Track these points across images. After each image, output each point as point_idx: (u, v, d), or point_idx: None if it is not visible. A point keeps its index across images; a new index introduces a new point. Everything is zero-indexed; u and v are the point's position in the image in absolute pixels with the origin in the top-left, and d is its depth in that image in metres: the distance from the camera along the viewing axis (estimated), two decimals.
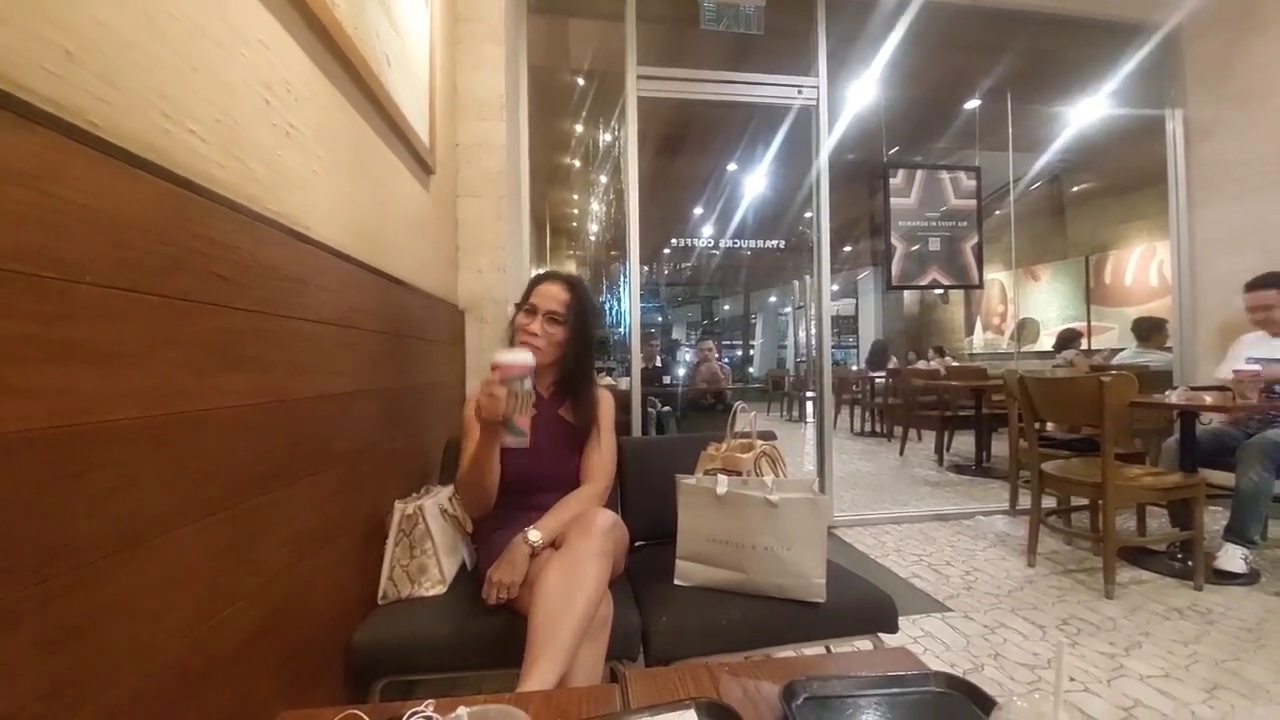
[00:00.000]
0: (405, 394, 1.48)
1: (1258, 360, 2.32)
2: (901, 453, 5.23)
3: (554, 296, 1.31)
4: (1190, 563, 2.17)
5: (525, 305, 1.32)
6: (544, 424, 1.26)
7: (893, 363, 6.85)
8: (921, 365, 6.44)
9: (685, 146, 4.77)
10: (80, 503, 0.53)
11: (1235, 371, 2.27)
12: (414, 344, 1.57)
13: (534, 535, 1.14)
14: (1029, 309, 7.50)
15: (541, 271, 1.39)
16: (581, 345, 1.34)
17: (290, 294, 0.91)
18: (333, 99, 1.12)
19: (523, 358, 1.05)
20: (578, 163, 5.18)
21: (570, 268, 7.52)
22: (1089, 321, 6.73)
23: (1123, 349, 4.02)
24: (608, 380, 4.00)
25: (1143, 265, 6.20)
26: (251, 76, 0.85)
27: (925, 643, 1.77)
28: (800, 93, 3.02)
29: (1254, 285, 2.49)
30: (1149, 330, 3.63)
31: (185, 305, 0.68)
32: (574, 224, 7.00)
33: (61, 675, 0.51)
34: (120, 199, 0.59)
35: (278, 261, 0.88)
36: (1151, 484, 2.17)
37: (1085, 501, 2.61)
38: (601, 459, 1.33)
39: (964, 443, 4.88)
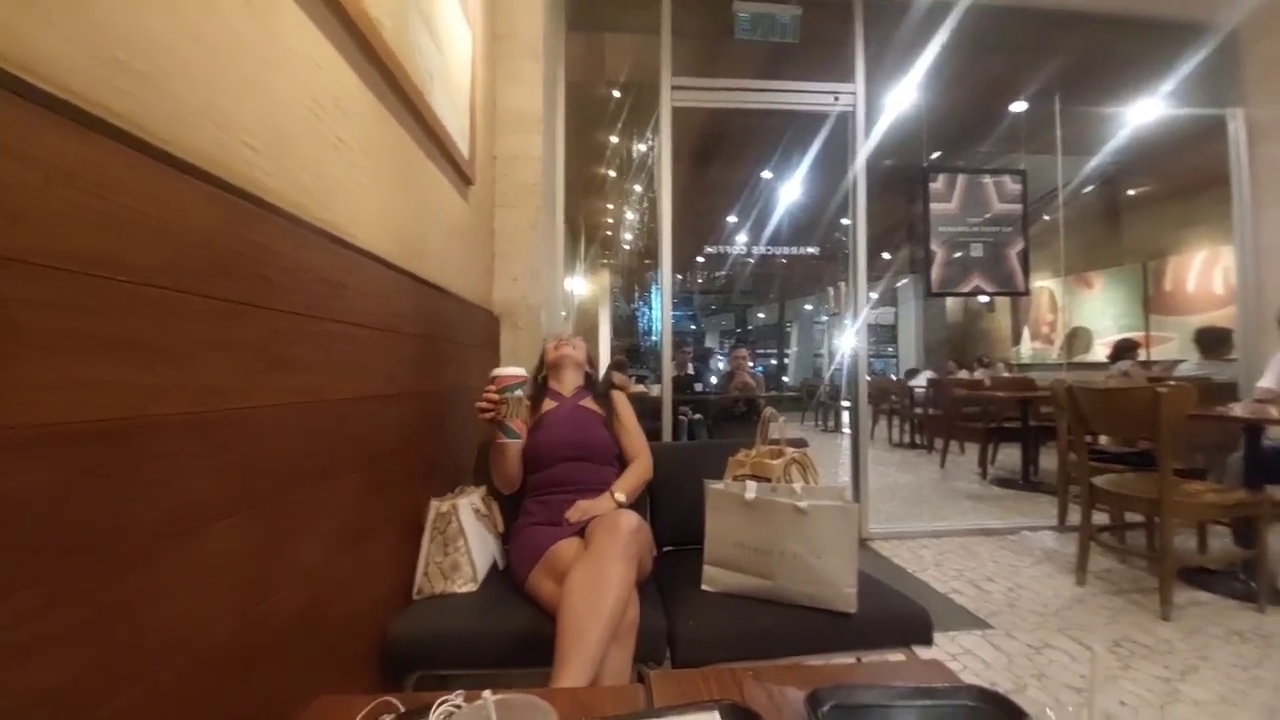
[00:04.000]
0: (441, 396, 1.52)
1: None
2: (942, 465, 5.06)
3: (561, 340, 1.65)
4: (1254, 584, 2.04)
5: (550, 346, 1.66)
6: (569, 408, 1.52)
7: (928, 374, 6.63)
8: (964, 375, 6.22)
9: (719, 155, 4.77)
10: (135, 490, 0.57)
11: None
12: (450, 348, 1.62)
13: (620, 495, 1.36)
14: (1081, 317, 7.16)
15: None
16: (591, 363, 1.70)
17: (331, 297, 0.96)
18: (378, 113, 1.17)
19: (516, 371, 1.30)
20: (613, 173, 5.25)
21: (604, 276, 7.60)
22: (1147, 331, 6.37)
23: (1183, 360, 3.80)
24: (639, 387, 4.02)
25: (1205, 271, 5.85)
26: (302, 92, 0.91)
27: (964, 660, 1.70)
28: (837, 100, 2.99)
29: None
30: (1213, 342, 3.41)
31: (234, 307, 0.72)
32: (608, 233, 7.08)
33: (116, 649, 0.54)
34: (178, 206, 0.64)
35: (320, 265, 0.93)
36: (1213, 500, 2.04)
37: (1140, 518, 2.47)
38: (634, 440, 1.53)
39: (1009, 456, 4.69)
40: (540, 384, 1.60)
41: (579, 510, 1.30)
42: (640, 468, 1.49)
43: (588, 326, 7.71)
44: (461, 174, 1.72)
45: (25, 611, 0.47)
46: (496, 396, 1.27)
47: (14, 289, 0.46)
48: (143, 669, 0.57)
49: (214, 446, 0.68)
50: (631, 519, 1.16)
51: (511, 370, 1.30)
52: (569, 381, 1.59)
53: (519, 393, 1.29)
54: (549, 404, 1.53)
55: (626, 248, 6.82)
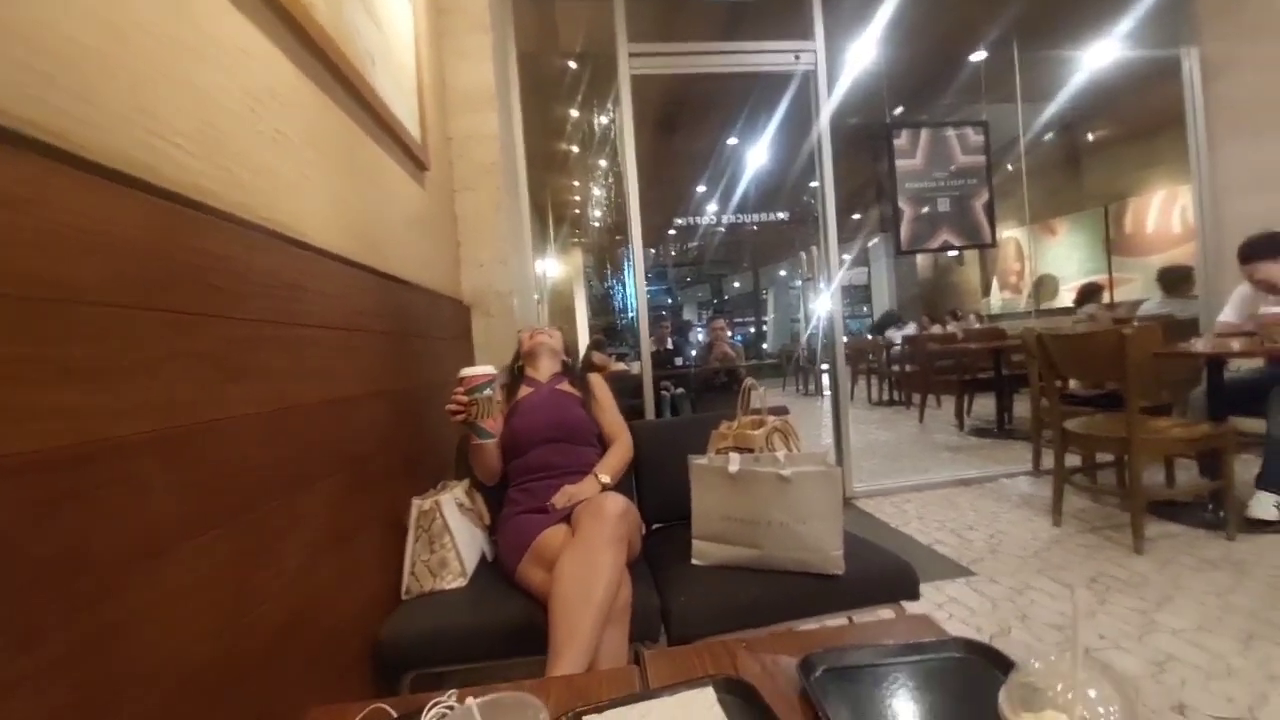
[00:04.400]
0: (415, 393, 1.49)
1: None
2: (921, 419, 5.18)
3: (537, 329, 1.66)
4: (1221, 513, 2.13)
5: (524, 335, 1.65)
6: (545, 393, 1.52)
7: (904, 330, 6.74)
8: (936, 329, 6.34)
9: (683, 123, 4.69)
10: (96, 518, 0.54)
11: (1263, 313, 2.19)
12: (420, 342, 1.58)
13: (604, 477, 1.35)
14: (1047, 265, 7.31)
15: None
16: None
17: (290, 301, 0.92)
18: (319, 101, 1.11)
19: (485, 370, 1.28)
20: (575, 148, 5.14)
21: (575, 255, 7.50)
22: (1110, 274, 6.54)
23: (1146, 300, 3.91)
24: (619, 365, 4.01)
25: (1164, 211, 5.99)
26: (233, 85, 0.85)
27: (950, 608, 1.76)
28: (798, 58, 2.94)
29: (1249, 257, 2.30)
30: (1175, 280, 3.51)
31: (187, 318, 0.69)
32: (576, 211, 6.96)
33: (90, 686, 0.52)
34: (109, 217, 0.60)
35: (274, 269, 0.88)
36: (1179, 435, 2.13)
37: (1111, 458, 2.56)
38: (612, 420, 1.54)
39: (984, 406, 4.82)
40: (517, 373, 1.58)
41: (564, 495, 1.29)
42: (621, 447, 1.49)
43: (563, 308, 7.63)
44: (414, 159, 1.65)
45: None
46: (465, 398, 1.25)
47: None
48: (123, 701, 0.56)
49: (181, 463, 0.66)
50: (618, 502, 1.16)
51: (479, 370, 1.28)
52: (545, 369, 1.59)
53: (488, 391, 1.27)
54: (525, 390, 1.52)
55: (596, 225, 6.72)
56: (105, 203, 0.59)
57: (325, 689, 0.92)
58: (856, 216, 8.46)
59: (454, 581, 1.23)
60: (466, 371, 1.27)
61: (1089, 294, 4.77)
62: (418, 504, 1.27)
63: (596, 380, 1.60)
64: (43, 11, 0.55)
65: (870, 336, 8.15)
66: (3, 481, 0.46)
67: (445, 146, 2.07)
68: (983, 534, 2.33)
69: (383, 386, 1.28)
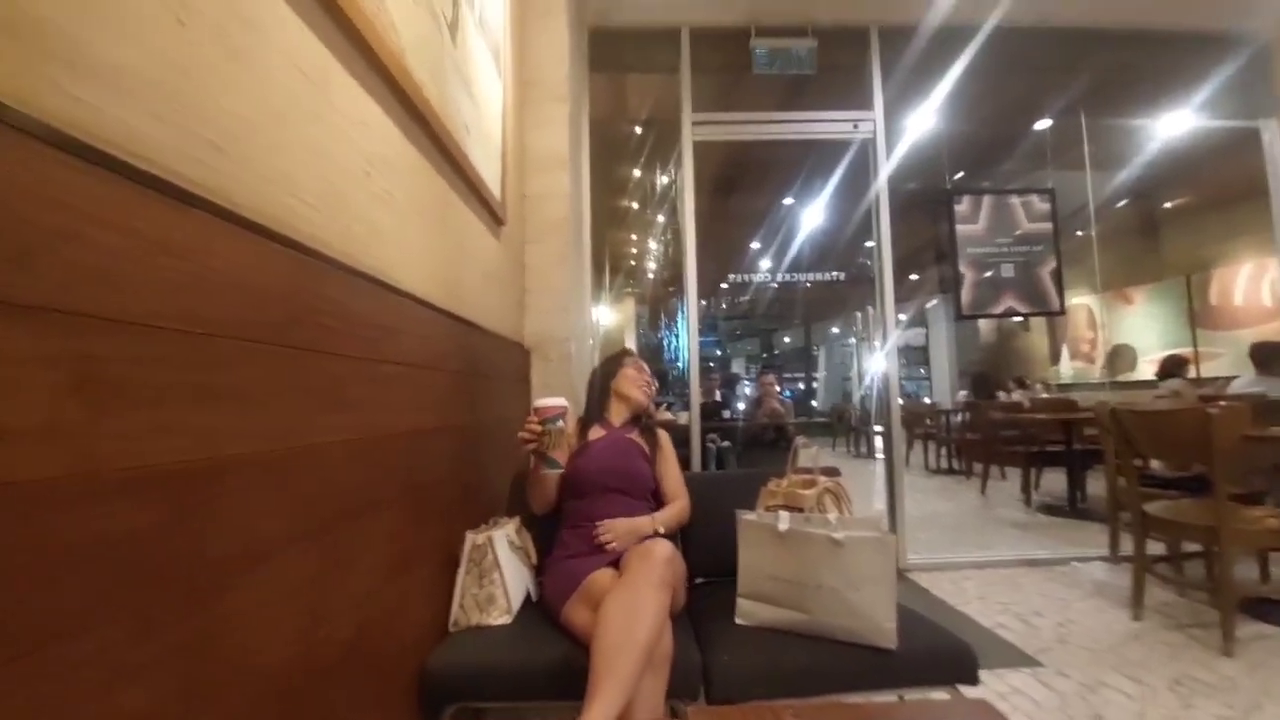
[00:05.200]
0: (477, 430, 1.57)
1: None
2: (983, 491, 4.89)
3: (641, 365, 1.68)
4: None
5: (634, 363, 1.67)
6: (616, 438, 1.54)
7: (962, 395, 6.45)
8: (1001, 397, 6.05)
9: (741, 185, 4.84)
10: (214, 526, 0.62)
11: None
12: (485, 382, 1.67)
13: (660, 526, 1.38)
14: (1122, 334, 6.92)
15: (620, 349, 1.79)
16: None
17: (382, 340, 1.02)
18: (420, 165, 1.25)
19: (558, 402, 1.31)
20: (635, 205, 5.37)
21: (628, 304, 7.69)
22: (1195, 346, 6.12)
23: (1236, 376, 3.63)
24: (667, 415, 4.02)
25: (1253, 283, 5.62)
26: (354, 152, 0.98)
27: (1013, 700, 1.63)
28: (856, 127, 3.03)
29: None
30: (1269, 356, 3.26)
31: (301, 353, 0.78)
32: (632, 262, 7.19)
33: (194, 678, 0.59)
34: (251, 265, 0.70)
35: (372, 311, 0.99)
36: (1274, 526, 1.94)
37: (1198, 548, 2.35)
38: (674, 481, 1.55)
39: (1052, 481, 4.51)
40: (596, 407, 1.62)
41: (619, 529, 1.32)
42: (680, 508, 1.51)
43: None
44: (494, 215, 1.80)
45: (113, 643, 0.51)
46: (539, 428, 1.29)
47: (114, 348, 0.52)
48: (217, 697, 0.61)
49: (281, 482, 0.73)
50: (665, 547, 1.18)
51: (553, 401, 1.31)
52: (622, 413, 1.62)
53: (560, 423, 1.31)
54: (597, 431, 1.55)
55: (651, 276, 6.91)
56: (249, 252, 0.70)
57: (375, 712, 0.96)
58: (914, 277, 8.34)
59: (500, 618, 1.26)
60: (541, 402, 1.31)
61: (1174, 367, 4.47)
62: (471, 537, 1.32)
63: (665, 438, 1.62)
64: (212, 88, 0.66)
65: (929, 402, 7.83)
66: (143, 489, 0.54)
67: (520, 203, 2.24)
68: (1051, 621, 2.16)
69: (449, 422, 1.36)
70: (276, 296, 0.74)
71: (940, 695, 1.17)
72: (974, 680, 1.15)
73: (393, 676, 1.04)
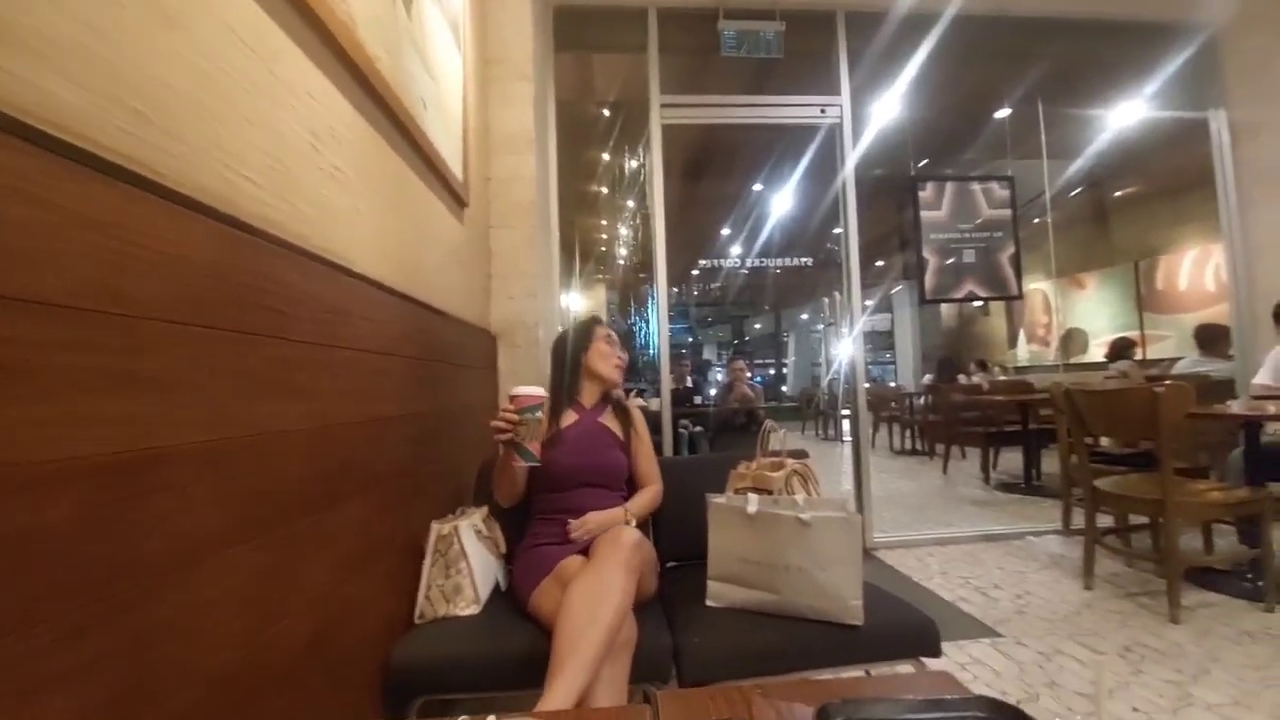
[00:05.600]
0: (440, 418, 1.53)
1: None
2: (944, 471, 5.05)
3: (612, 336, 1.54)
4: (1261, 583, 2.03)
5: (605, 335, 1.52)
6: (588, 425, 1.46)
7: (927, 378, 6.65)
8: (961, 379, 6.24)
9: (710, 170, 4.83)
10: (145, 522, 0.58)
11: None
12: (448, 369, 1.63)
13: (631, 516, 1.35)
14: (1075, 318, 7.21)
15: (588, 317, 1.60)
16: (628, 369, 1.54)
17: (335, 324, 0.97)
18: (374, 141, 1.19)
19: (537, 391, 1.22)
20: (605, 189, 5.30)
21: (599, 291, 7.64)
22: (1142, 329, 6.41)
23: (1180, 358, 3.82)
24: (639, 401, 4.02)
25: (1197, 269, 5.90)
26: (300, 125, 0.92)
27: (974, 670, 1.69)
28: (824, 112, 3.03)
29: None
30: (1212, 338, 3.43)
31: (244, 337, 0.73)
32: (602, 248, 7.13)
33: (126, 684, 0.55)
34: (182, 240, 0.65)
35: (324, 294, 0.94)
36: (1216, 499, 2.05)
37: (1146, 520, 2.47)
38: (648, 465, 1.50)
39: (1011, 460, 4.68)
40: (568, 388, 1.49)
41: (591, 524, 1.30)
42: (653, 494, 1.47)
43: None
44: (456, 197, 1.74)
45: (39, 649, 0.47)
46: (515, 417, 1.19)
47: (24, 329, 0.47)
48: (154, 705, 0.57)
49: (224, 474, 0.69)
50: (633, 534, 1.17)
51: (531, 390, 1.22)
52: (594, 393, 1.52)
53: (539, 414, 1.21)
54: (569, 417, 1.45)
55: (621, 262, 6.87)
56: (178, 227, 0.65)
57: (337, 709, 0.93)
58: (880, 263, 8.50)
59: (467, 608, 1.23)
60: (519, 390, 1.21)
61: (1122, 350, 4.67)
62: (437, 528, 1.28)
63: (639, 415, 1.54)
64: (140, 55, 0.61)
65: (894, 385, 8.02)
66: (64, 483, 0.50)
67: (484, 186, 2.17)
68: (1009, 593, 2.24)
69: (411, 410, 1.31)
70: (212, 276, 0.69)
71: (905, 668, 1.20)
72: (937, 653, 1.18)
73: (356, 672, 1.01)
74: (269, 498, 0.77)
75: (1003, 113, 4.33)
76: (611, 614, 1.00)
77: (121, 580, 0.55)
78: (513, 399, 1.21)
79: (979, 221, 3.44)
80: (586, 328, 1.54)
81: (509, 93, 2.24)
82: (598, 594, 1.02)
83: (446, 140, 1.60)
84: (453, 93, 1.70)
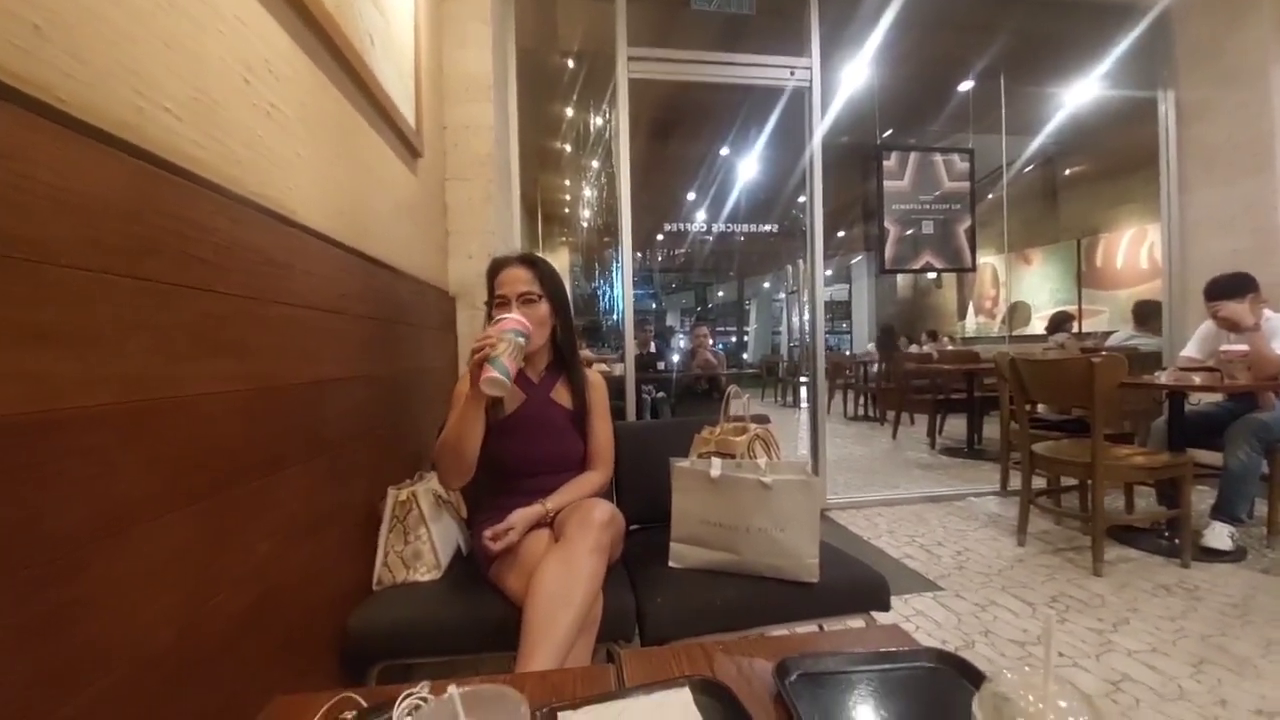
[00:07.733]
0: (396, 380, 1.46)
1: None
2: (894, 436, 5.27)
3: (519, 279, 1.25)
4: (1178, 541, 2.20)
5: (495, 299, 1.26)
6: (539, 408, 1.31)
7: (870, 347, 6.87)
8: (914, 349, 6.47)
9: (678, 130, 4.72)
10: (58, 490, 0.52)
11: (1223, 351, 2.29)
12: (404, 330, 1.55)
13: (551, 504, 1.20)
14: (1021, 292, 7.52)
15: (496, 257, 1.32)
16: (564, 318, 1.33)
17: (274, 278, 0.90)
18: (315, 79, 1.09)
19: (519, 318, 1.12)
20: (569, 147, 5.12)
21: (563, 254, 7.47)
22: (1080, 305, 6.76)
23: (1114, 331, 4.04)
24: (602, 366, 3.99)
25: (1133, 248, 6.21)
26: (229, 54, 0.83)
27: (917, 621, 1.79)
28: (793, 74, 2.98)
29: (1214, 296, 2.34)
30: (1148, 314, 3.63)
31: (165, 288, 0.66)
32: (566, 210, 6.94)
33: (50, 663, 0.50)
34: (91, 178, 0.57)
35: (261, 244, 0.86)
36: (1140, 463, 2.20)
37: (1075, 481, 2.64)
38: (600, 446, 1.36)
39: (956, 426, 4.92)
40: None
41: (518, 524, 1.13)
42: (592, 484, 1.30)
43: None
44: (408, 145, 1.63)
45: None
46: (496, 338, 1.06)
47: None
48: (85, 680, 0.53)
49: (148, 438, 0.63)
50: (605, 510, 1.13)
51: (514, 316, 1.12)
52: (539, 362, 1.34)
53: (521, 339, 1.09)
54: (516, 396, 1.28)
55: (585, 225, 6.71)
56: (86, 161, 0.57)
57: (291, 678, 0.90)
58: (841, 234, 8.60)
59: (428, 574, 1.21)
60: (505, 316, 1.12)
61: (1060, 323, 4.92)
62: (394, 493, 1.24)
63: (596, 382, 1.38)
64: None
65: (850, 353, 8.26)
66: None
67: (439, 135, 2.05)
68: (950, 550, 2.37)
69: (363, 372, 1.25)
70: (126, 218, 0.62)
71: (856, 622, 1.25)
72: (886, 607, 1.23)
73: (311, 641, 0.98)
74: (203, 463, 0.72)
75: (966, 85, 4.37)
76: (583, 598, 0.99)
77: (36, 552, 0.50)
78: (496, 322, 1.11)
79: (938, 194, 3.50)
80: (488, 280, 1.30)
81: (465, 33, 2.10)
82: (569, 579, 1.00)
83: (397, 81, 1.49)
84: (403, 29, 1.57)
